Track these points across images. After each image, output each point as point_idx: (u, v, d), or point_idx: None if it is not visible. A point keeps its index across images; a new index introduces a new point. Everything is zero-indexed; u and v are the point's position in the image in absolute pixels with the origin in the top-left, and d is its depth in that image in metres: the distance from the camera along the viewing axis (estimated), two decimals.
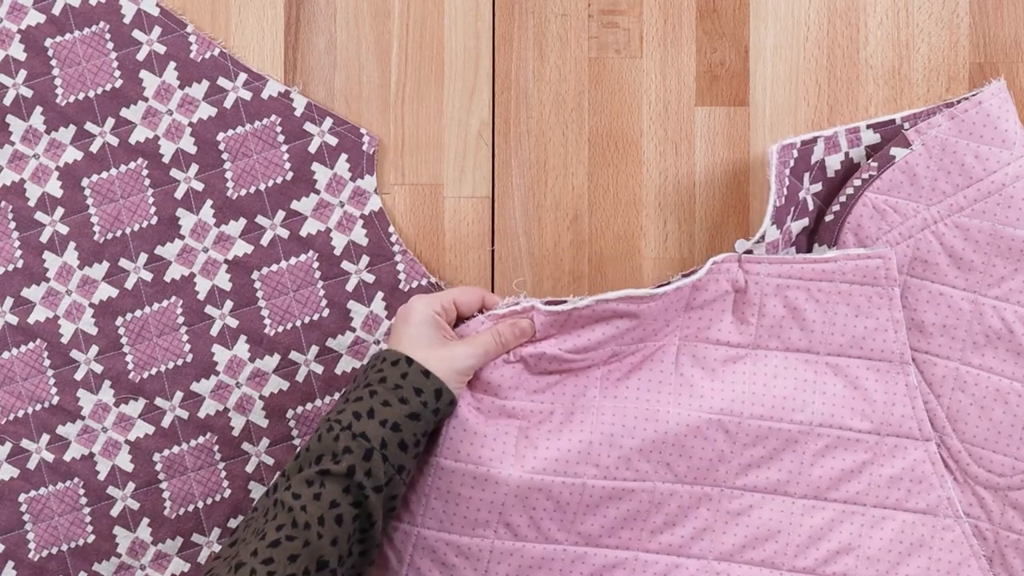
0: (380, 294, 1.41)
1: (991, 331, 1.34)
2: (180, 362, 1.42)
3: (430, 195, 1.43)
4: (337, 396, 1.41)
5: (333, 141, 1.42)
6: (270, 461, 1.41)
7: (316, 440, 1.21)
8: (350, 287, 1.41)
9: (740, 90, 1.42)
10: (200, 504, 1.41)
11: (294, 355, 1.41)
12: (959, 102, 1.35)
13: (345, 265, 1.41)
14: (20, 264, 1.42)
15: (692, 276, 1.32)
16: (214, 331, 1.42)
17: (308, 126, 1.42)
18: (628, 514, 1.32)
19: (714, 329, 1.34)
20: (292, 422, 1.41)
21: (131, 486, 1.41)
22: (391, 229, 1.41)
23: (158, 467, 1.41)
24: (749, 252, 1.32)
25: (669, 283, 1.31)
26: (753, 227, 1.41)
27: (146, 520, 1.41)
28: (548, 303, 1.31)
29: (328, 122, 1.42)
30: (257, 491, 1.41)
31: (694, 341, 1.34)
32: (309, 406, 1.41)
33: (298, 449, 1.22)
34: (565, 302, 1.31)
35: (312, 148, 1.42)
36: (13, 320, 1.42)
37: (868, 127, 1.37)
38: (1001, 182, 1.33)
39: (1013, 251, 1.33)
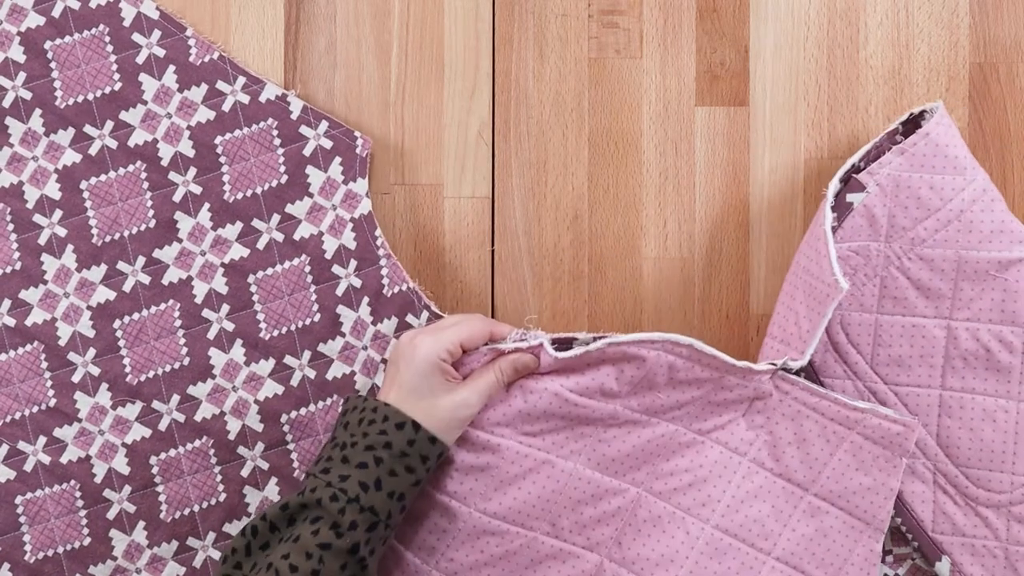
0: (366, 299, 1.41)
1: (968, 353, 1.33)
2: (177, 365, 1.41)
3: (430, 195, 1.43)
4: (329, 402, 1.40)
5: (328, 144, 1.42)
6: (265, 465, 1.40)
7: (316, 503, 1.19)
8: (339, 292, 1.41)
9: (740, 90, 1.42)
10: (196, 508, 1.41)
11: (288, 359, 1.41)
12: (904, 134, 1.36)
13: (335, 269, 1.41)
14: (18, 266, 1.41)
15: (717, 352, 1.30)
16: (211, 334, 1.41)
17: (304, 129, 1.42)
18: None
19: (727, 432, 1.33)
20: (286, 427, 1.41)
21: (127, 489, 1.41)
22: (377, 232, 1.41)
23: (154, 470, 1.41)
24: (786, 370, 1.32)
25: (683, 339, 1.30)
26: (753, 227, 1.42)
27: (142, 523, 1.40)
28: (555, 340, 1.31)
29: (323, 125, 1.42)
30: (252, 495, 1.40)
31: (702, 435, 1.33)
32: (303, 411, 1.40)
33: (285, 501, 1.20)
34: (574, 339, 1.30)
35: (307, 151, 1.42)
36: (11, 322, 1.41)
37: (839, 180, 1.36)
38: (959, 208, 1.32)
39: (979, 273, 1.32)
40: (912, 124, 1.36)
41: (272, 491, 1.40)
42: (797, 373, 1.33)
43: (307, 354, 1.41)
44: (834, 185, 1.33)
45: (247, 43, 1.43)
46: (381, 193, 1.43)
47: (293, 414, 1.41)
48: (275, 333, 1.41)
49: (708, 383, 1.31)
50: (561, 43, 1.42)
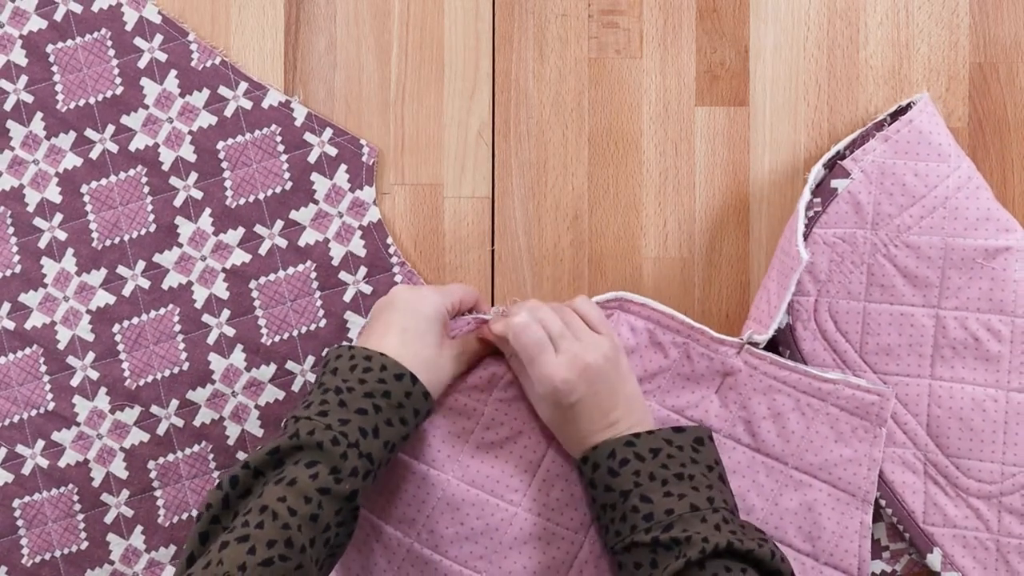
0: None
1: (956, 342, 1.34)
2: (176, 370, 1.41)
3: (430, 195, 1.43)
4: None
5: (333, 152, 1.42)
6: None
7: (315, 445, 1.15)
8: (347, 298, 1.41)
9: (740, 90, 1.42)
10: (194, 512, 1.40)
11: (290, 365, 1.41)
12: (889, 122, 1.37)
13: (343, 276, 1.41)
14: (18, 269, 1.41)
15: (675, 312, 1.33)
16: (211, 339, 1.41)
17: (308, 136, 1.42)
18: (554, 562, 1.29)
19: (700, 409, 1.33)
20: None
21: (125, 493, 1.40)
22: (389, 240, 1.41)
23: (152, 475, 1.40)
24: (754, 344, 1.32)
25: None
26: (753, 227, 1.42)
27: (140, 528, 1.40)
28: None
29: (328, 132, 1.42)
30: None
31: (676, 413, 1.33)
32: None
33: (274, 445, 1.16)
34: None
35: (312, 158, 1.42)
36: (10, 325, 1.41)
37: (824, 166, 1.36)
38: (944, 195, 1.33)
39: (966, 260, 1.33)
40: (901, 116, 1.37)
41: None
42: (781, 354, 1.35)
43: (310, 359, 1.40)
44: (817, 170, 1.35)
45: (247, 44, 1.44)
46: (381, 193, 1.43)
47: None
48: (276, 339, 1.41)
49: (674, 349, 1.32)
50: (561, 43, 1.43)
